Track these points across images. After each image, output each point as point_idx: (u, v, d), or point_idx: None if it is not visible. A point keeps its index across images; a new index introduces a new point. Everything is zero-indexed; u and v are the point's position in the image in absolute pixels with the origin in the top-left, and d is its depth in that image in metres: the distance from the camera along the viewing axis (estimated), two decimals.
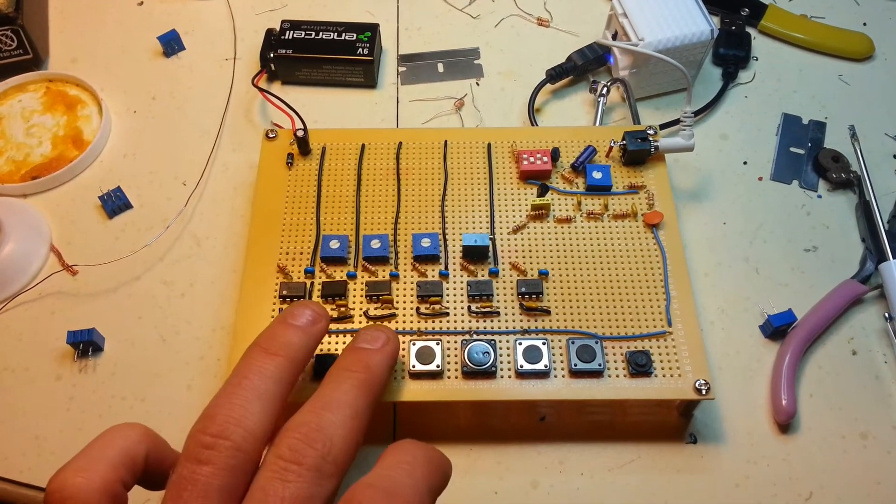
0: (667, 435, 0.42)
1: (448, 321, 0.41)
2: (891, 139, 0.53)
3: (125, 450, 0.28)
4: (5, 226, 0.47)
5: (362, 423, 0.30)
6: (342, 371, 0.32)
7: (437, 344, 0.40)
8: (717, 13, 0.58)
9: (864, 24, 0.59)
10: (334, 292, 0.42)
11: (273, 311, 0.41)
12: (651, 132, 0.46)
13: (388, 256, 0.43)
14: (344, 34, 0.54)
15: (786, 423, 0.42)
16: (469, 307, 0.42)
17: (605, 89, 0.52)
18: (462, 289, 0.42)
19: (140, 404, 0.43)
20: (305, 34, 0.54)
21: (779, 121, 0.54)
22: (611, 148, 0.47)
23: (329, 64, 0.54)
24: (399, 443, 0.29)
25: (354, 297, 0.42)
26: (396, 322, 0.41)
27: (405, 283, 0.42)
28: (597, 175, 0.46)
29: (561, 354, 0.40)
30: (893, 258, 0.46)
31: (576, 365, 0.39)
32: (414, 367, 0.39)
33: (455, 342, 0.40)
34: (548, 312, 0.41)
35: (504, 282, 0.42)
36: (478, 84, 0.56)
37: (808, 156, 0.52)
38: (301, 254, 0.43)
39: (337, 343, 0.41)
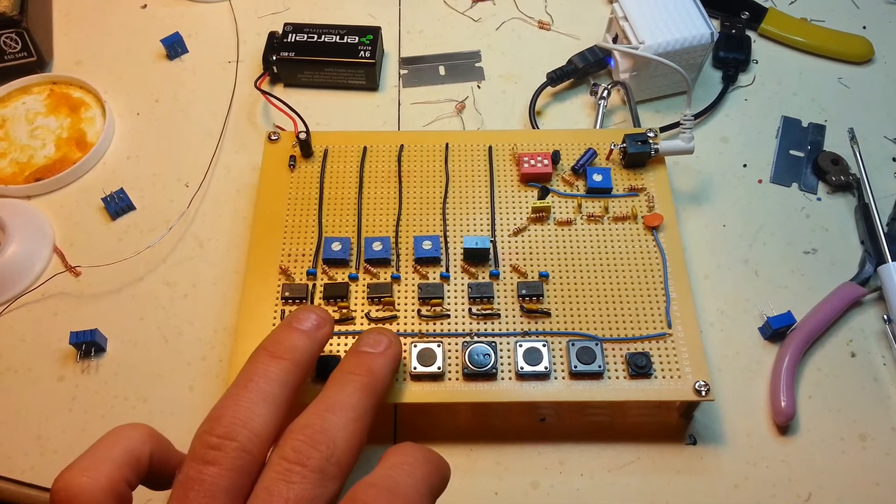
0: (666, 436, 0.42)
1: (449, 323, 0.41)
2: (890, 142, 0.53)
3: (130, 450, 0.28)
4: (9, 227, 0.47)
5: (365, 426, 0.30)
6: (345, 374, 0.32)
7: (438, 346, 0.40)
8: (717, 16, 0.58)
9: (864, 27, 0.59)
10: (336, 294, 0.42)
11: (275, 312, 0.42)
12: (651, 135, 0.47)
13: (390, 258, 0.43)
14: (346, 37, 0.55)
15: (785, 425, 0.42)
16: (470, 309, 0.42)
17: (606, 92, 0.52)
18: (463, 291, 0.42)
19: (142, 405, 0.43)
20: (308, 37, 0.55)
21: (778, 124, 0.54)
22: (611, 151, 0.47)
23: (331, 67, 0.54)
24: (399, 445, 0.29)
25: (356, 298, 0.42)
26: (398, 324, 0.41)
27: (406, 285, 0.43)
28: (597, 178, 0.46)
29: (561, 356, 0.40)
30: (892, 260, 0.46)
31: (576, 366, 0.39)
32: (415, 368, 0.39)
33: (456, 344, 0.41)
34: (548, 314, 0.42)
35: (505, 284, 0.43)
36: (479, 87, 0.56)
37: (807, 158, 0.52)
38: (303, 255, 0.44)
39: (339, 345, 0.41)
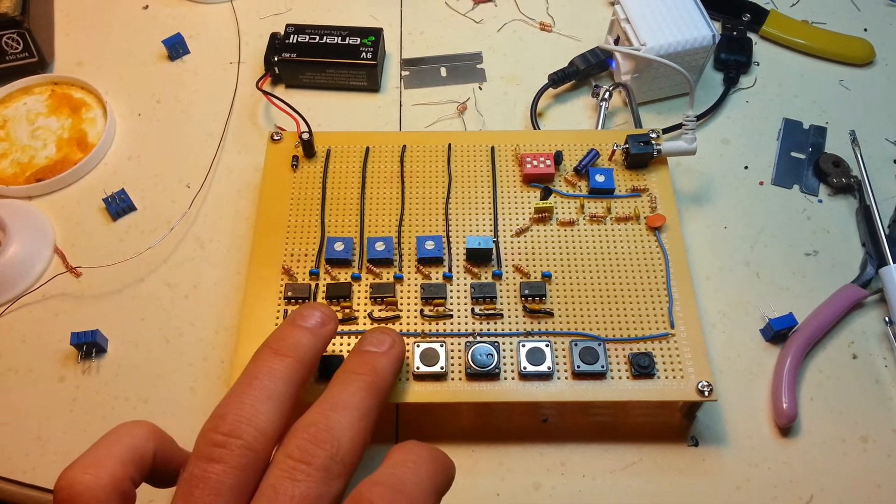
0: (668, 437, 0.42)
1: (452, 323, 0.41)
2: (891, 144, 0.53)
3: (133, 447, 0.28)
4: (10, 228, 0.47)
5: (369, 425, 0.30)
6: (349, 374, 0.32)
7: (441, 346, 0.40)
8: (718, 18, 0.58)
9: (865, 29, 0.59)
10: (339, 294, 0.42)
11: (278, 312, 0.42)
12: (654, 136, 0.47)
13: (393, 258, 0.43)
14: (348, 38, 0.55)
15: (786, 427, 0.42)
16: (473, 309, 0.42)
17: (608, 94, 0.53)
18: (466, 291, 0.42)
19: (143, 405, 0.43)
20: (309, 38, 0.55)
21: (780, 125, 0.54)
22: (613, 151, 0.47)
23: (333, 68, 0.54)
24: (404, 443, 0.29)
25: (359, 298, 0.42)
26: (400, 324, 0.41)
27: (409, 285, 0.43)
28: (599, 178, 0.46)
29: (564, 356, 0.40)
30: (894, 262, 0.46)
31: (579, 367, 0.39)
32: (418, 368, 0.39)
33: (459, 344, 0.41)
34: (551, 315, 0.42)
35: (507, 284, 0.43)
36: (480, 88, 0.56)
37: (808, 160, 0.52)
38: (306, 255, 0.44)
39: (342, 344, 0.41)
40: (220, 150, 0.52)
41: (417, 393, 0.39)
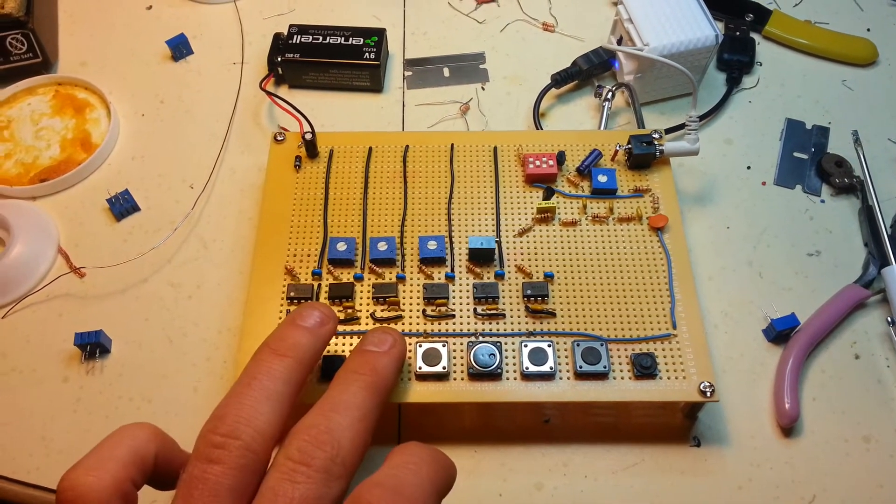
0: (671, 437, 0.42)
1: (454, 323, 0.41)
2: (894, 144, 0.53)
3: (135, 449, 0.28)
4: (14, 228, 0.47)
5: (370, 425, 0.30)
6: (350, 374, 0.32)
7: (444, 346, 0.40)
8: (721, 19, 0.58)
9: (868, 29, 0.59)
10: (341, 294, 0.42)
11: (280, 312, 0.42)
12: (656, 136, 0.47)
13: (395, 259, 0.43)
14: (351, 39, 0.55)
15: (789, 427, 0.42)
16: (475, 309, 0.42)
17: (611, 94, 0.53)
18: (468, 291, 0.42)
19: (147, 406, 0.43)
20: (313, 38, 0.55)
21: (782, 126, 0.54)
22: (616, 152, 0.47)
23: (336, 68, 0.54)
24: (405, 444, 0.29)
25: (361, 298, 0.42)
26: (403, 324, 0.41)
27: (411, 285, 0.43)
28: (602, 178, 0.46)
29: (566, 356, 0.40)
30: None
31: (581, 367, 0.39)
32: (420, 368, 0.39)
33: (461, 344, 0.41)
34: (553, 315, 0.42)
35: (510, 284, 0.43)
36: (483, 88, 0.56)
37: (811, 161, 0.52)
38: (308, 256, 0.44)
39: (344, 344, 0.41)
40: (223, 150, 0.53)
41: (419, 393, 0.39)
